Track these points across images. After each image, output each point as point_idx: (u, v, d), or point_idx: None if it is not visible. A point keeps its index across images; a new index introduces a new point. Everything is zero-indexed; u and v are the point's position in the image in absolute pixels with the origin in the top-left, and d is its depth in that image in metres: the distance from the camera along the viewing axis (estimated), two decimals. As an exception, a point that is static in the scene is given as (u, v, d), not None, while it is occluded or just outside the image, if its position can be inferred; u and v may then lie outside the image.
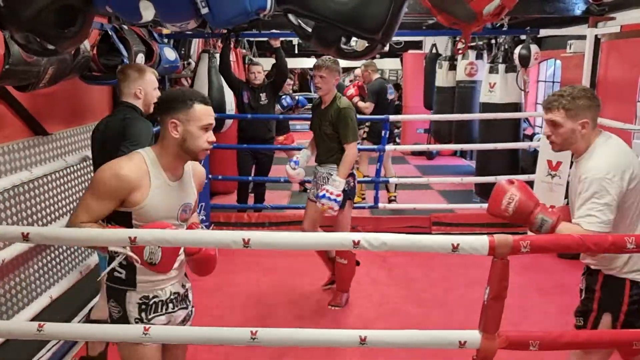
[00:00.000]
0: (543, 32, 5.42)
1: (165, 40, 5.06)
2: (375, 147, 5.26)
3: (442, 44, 7.62)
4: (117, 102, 4.75)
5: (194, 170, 2.04)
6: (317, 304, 3.81)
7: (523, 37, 5.46)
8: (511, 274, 4.13)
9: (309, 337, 1.80)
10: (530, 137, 5.96)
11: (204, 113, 1.87)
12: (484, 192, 5.79)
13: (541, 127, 5.32)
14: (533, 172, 5.13)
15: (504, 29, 5.30)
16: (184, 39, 6.01)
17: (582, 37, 4.98)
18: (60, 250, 3.30)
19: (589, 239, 1.73)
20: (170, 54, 4.68)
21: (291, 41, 8.39)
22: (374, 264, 4.42)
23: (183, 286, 2.03)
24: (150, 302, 1.91)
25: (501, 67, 5.39)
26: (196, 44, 6.66)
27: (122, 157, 1.90)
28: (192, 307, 2.10)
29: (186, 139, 1.85)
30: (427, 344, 1.84)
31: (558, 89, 2.22)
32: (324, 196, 3.41)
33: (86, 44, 3.25)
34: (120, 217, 1.84)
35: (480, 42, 6.63)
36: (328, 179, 3.56)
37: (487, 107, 5.48)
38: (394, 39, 9.92)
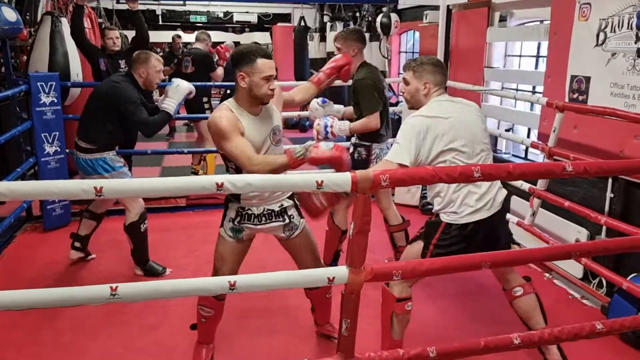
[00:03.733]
0: (402, 4, 5.70)
1: (5, 0, 4.51)
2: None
3: (310, 16, 7.72)
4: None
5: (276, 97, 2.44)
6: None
7: (385, 9, 5.70)
8: (379, 232, 4.35)
9: (173, 288, 1.72)
10: (395, 105, 6.27)
11: (266, 66, 2.27)
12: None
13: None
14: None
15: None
16: (28, 0, 5.42)
17: (437, 8, 5.31)
18: None
19: (440, 170, 1.84)
20: (9, 14, 4.19)
21: (154, 11, 7.95)
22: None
23: (280, 205, 2.48)
24: (244, 213, 2.43)
25: (365, 35, 5.58)
26: (43, 9, 6.03)
27: (216, 109, 2.36)
28: (300, 218, 2.55)
29: (252, 88, 2.28)
30: (297, 283, 1.85)
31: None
32: (326, 125, 3.28)
33: None
34: None
35: (347, 14, 6.82)
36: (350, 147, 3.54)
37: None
38: (263, 11, 9.83)
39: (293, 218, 2.55)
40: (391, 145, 3.61)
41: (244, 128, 2.32)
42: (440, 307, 3.29)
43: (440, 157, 2.35)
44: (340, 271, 1.84)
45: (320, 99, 3.69)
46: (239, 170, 2.34)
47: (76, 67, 4.82)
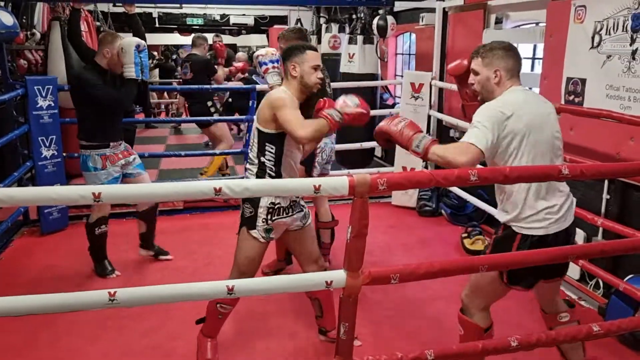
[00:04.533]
0: (398, 7, 5.72)
1: (2, 4, 4.51)
2: (243, 117, 5.20)
3: (307, 18, 7.73)
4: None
5: None
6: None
7: (381, 11, 5.71)
8: (377, 234, 4.33)
9: (174, 293, 1.73)
10: (392, 107, 6.29)
11: (313, 56, 2.55)
12: (345, 160, 5.98)
13: (400, 97, 5.62)
14: (394, 138, 5.42)
15: (363, 0, 5.52)
16: (24, 4, 5.41)
17: (433, 10, 5.33)
18: None
19: (437, 174, 1.84)
20: (6, 18, 4.19)
21: (151, 14, 7.94)
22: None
23: (297, 195, 2.58)
24: (276, 207, 2.50)
25: (359, 38, 5.58)
26: (40, 13, 6.04)
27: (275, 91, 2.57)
28: (306, 208, 2.67)
29: (303, 76, 2.52)
30: (295, 287, 1.86)
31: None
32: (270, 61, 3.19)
33: None
34: (277, 138, 2.49)
35: (343, 17, 6.83)
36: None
37: (346, 77, 5.65)
38: (259, 13, 9.83)
39: (304, 207, 2.67)
40: (334, 140, 3.65)
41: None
42: (439, 309, 3.29)
43: (512, 158, 2.13)
44: (338, 275, 1.84)
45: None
46: (278, 152, 2.51)
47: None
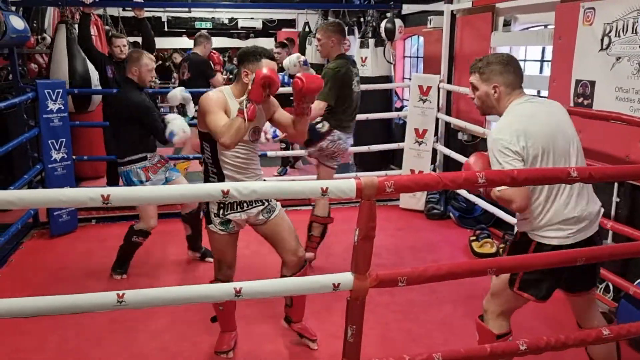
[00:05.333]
0: (406, 10, 5.72)
1: (13, 9, 4.56)
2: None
3: (315, 22, 7.73)
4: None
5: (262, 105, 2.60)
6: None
7: (389, 14, 5.71)
8: (385, 236, 4.31)
9: (181, 295, 1.73)
10: (400, 110, 6.29)
11: (269, 66, 2.46)
12: (360, 162, 5.99)
13: (408, 100, 5.62)
14: (403, 141, 5.42)
15: (371, 3, 5.53)
16: (35, 8, 5.48)
17: (441, 13, 5.32)
18: None
19: (445, 176, 1.84)
20: (18, 23, 4.23)
21: (160, 18, 7.99)
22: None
23: None
24: (227, 202, 2.54)
25: (371, 41, 5.59)
26: (50, 17, 6.11)
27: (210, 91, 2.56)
28: (276, 201, 2.67)
29: None
30: (302, 290, 1.86)
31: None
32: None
33: None
34: (210, 136, 2.48)
35: (351, 20, 6.85)
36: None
37: (360, 81, 5.63)
38: (267, 17, 9.88)
39: (270, 201, 2.68)
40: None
41: (230, 112, 2.47)
42: (446, 312, 3.28)
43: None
44: (346, 277, 1.84)
45: (303, 58, 3.86)
46: (213, 151, 2.54)
47: (95, 73, 4.91)
